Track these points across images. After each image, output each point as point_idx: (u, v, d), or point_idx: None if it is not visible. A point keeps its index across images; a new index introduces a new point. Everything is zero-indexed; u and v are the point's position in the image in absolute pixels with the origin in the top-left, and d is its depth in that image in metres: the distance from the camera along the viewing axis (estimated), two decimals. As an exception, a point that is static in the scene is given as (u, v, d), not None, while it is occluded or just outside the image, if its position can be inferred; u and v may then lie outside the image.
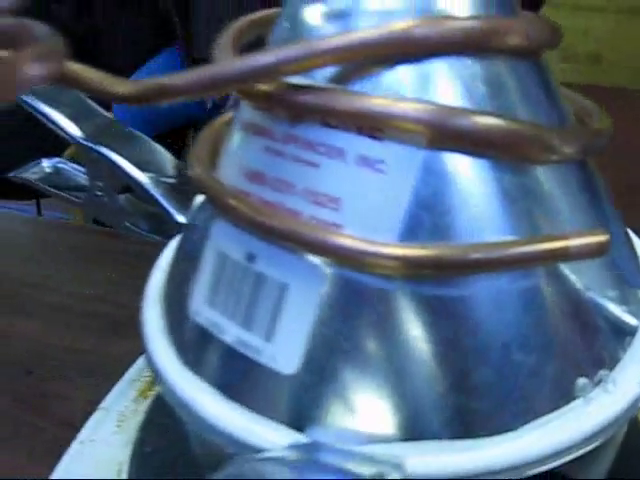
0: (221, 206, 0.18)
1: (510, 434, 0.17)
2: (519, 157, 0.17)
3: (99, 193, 0.28)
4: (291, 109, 0.16)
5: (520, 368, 0.17)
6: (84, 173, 0.32)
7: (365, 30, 0.16)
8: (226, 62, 0.16)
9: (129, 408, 0.34)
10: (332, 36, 0.16)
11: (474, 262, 0.16)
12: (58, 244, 0.62)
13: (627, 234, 0.21)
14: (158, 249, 0.29)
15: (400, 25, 0.16)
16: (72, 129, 0.27)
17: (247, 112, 0.18)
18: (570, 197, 0.18)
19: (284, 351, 0.17)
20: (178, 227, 0.26)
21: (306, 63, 0.15)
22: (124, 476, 0.29)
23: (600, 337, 0.18)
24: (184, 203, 0.27)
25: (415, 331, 0.17)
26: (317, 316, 0.17)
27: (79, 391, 0.45)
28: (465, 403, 0.17)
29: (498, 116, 0.16)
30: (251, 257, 0.17)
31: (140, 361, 0.37)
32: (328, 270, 0.17)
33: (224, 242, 0.18)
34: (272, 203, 0.17)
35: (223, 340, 0.18)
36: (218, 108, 1.29)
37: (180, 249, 0.22)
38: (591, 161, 0.19)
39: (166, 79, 0.16)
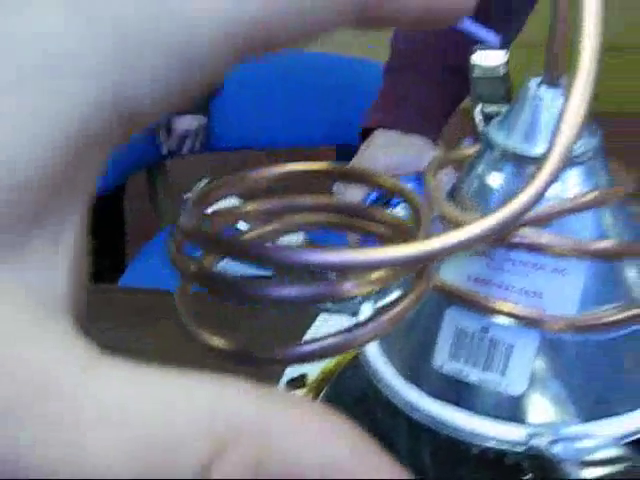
0: (458, 297, 0.30)
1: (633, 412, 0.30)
2: (630, 258, 0.30)
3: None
4: (510, 245, 0.29)
5: (634, 373, 0.31)
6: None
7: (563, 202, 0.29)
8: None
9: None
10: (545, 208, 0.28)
11: (614, 322, 0.29)
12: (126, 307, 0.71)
13: None
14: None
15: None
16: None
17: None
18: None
19: (514, 382, 0.30)
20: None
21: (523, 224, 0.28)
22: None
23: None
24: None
25: (580, 361, 0.30)
26: (534, 359, 0.29)
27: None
28: (611, 399, 0.30)
29: (619, 242, 0.30)
30: (484, 329, 0.30)
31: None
32: (537, 334, 0.29)
33: (460, 320, 0.31)
34: (501, 298, 0.30)
35: (466, 379, 0.31)
36: (172, 154, 1.38)
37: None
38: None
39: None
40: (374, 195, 0.67)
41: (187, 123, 1.32)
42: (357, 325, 0.21)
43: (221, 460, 0.11)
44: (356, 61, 1.35)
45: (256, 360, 0.21)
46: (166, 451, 0.11)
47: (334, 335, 0.21)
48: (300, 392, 0.48)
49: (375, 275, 0.21)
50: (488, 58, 0.50)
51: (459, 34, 0.78)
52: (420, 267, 0.23)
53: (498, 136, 0.31)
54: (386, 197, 0.66)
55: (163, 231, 1.35)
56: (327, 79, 1.37)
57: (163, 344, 0.64)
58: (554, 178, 0.20)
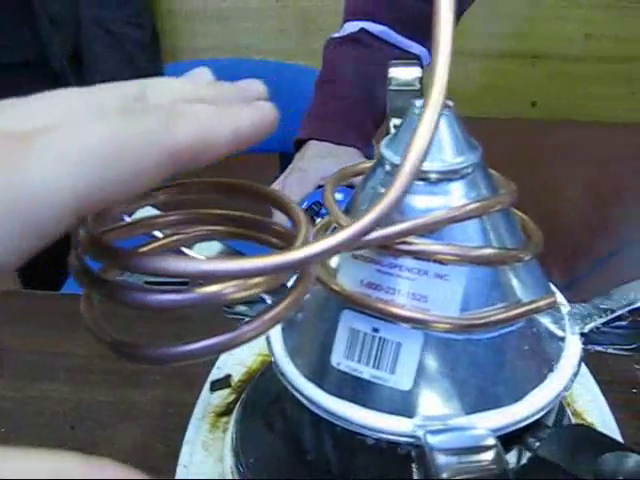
0: (351, 301, 0.33)
1: (514, 405, 0.33)
2: (509, 264, 0.33)
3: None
4: (397, 252, 0.32)
5: (516, 368, 0.34)
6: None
7: (439, 214, 0.31)
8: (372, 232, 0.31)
9: (208, 437, 0.47)
10: (424, 217, 0.31)
11: (495, 321, 0.32)
12: (57, 313, 0.72)
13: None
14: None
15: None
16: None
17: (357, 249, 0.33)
18: (529, 276, 0.35)
19: (403, 378, 0.32)
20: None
21: (407, 234, 0.31)
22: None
23: (550, 344, 0.35)
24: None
25: (465, 358, 0.33)
26: (419, 357, 0.32)
27: (121, 435, 0.57)
28: (494, 392, 0.33)
29: (499, 249, 0.33)
30: (375, 330, 0.33)
31: (200, 404, 0.50)
32: (422, 333, 0.32)
33: (354, 322, 0.33)
34: (387, 300, 0.32)
35: (360, 377, 0.33)
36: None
37: (295, 319, 0.37)
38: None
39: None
40: (305, 204, 0.69)
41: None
42: (241, 324, 0.24)
43: None
44: (295, 68, 1.37)
45: (138, 356, 0.23)
46: None
47: (220, 334, 0.23)
48: (224, 392, 0.50)
49: (254, 281, 0.23)
50: (405, 72, 0.53)
51: (388, 48, 0.81)
52: (300, 271, 0.25)
53: (387, 152, 0.34)
54: (317, 207, 0.69)
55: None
56: (268, 85, 1.39)
57: (95, 349, 0.66)
58: (406, 187, 0.23)
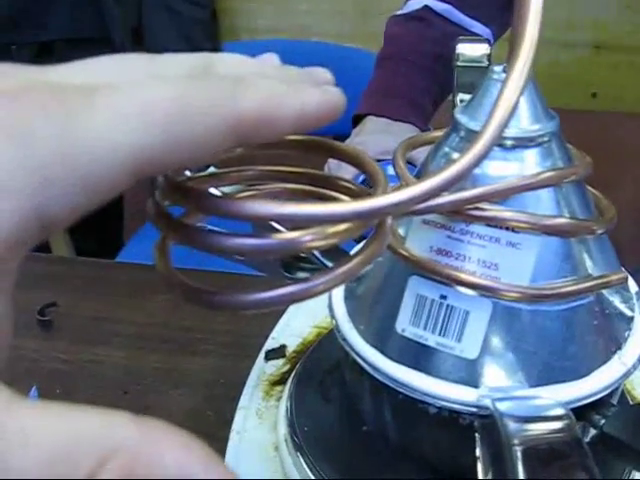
0: (420, 267, 0.33)
1: (580, 380, 0.33)
2: (581, 235, 0.32)
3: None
4: (469, 218, 0.31)
5: (583, 343, 0.33)
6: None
7: (514, 181, 0.31)
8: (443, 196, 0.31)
9: (262, 405, 0.47)
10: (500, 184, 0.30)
11: (566, 293, 0.32)
12: (103, 280, 0.73)
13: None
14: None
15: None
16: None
17: (428, 215, 0.33)
18: (600, 252, 0.34)
19: (469, 347, 0.32)
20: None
21: (480, 200, 0.30)
22: (284, 451, 0.42)
23: (619, 323, 0.34)
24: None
25: (532, 329, 0.32)
26: (487, 326, 0.32)
27: (172, 401, 0.58)
28: (561, 366, 0.32)
29: (570, 218, 0.32)
30: (443, 297, 0.32)
31: (254, 372, 0.50)
32: (491, 302, 0.32)
33: (421, 288, 0.33)
34: (456, 267, 0.32)
35: (425, 344, 0.33)
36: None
37: (358, 286, 0.37)
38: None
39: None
40: (361, 178, 0.69)
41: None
42: (314, 276, 0.23)
43: (102, 470, 0.15)
44: (352, 50, 1.37)
45: (214, 302, 0.23)
46: (64, 464, 0.15)
47: (291, 284, 0.23)
48: (278, 362, 0.51)
49: (333, 230, 0.23)
50: (472, 49, 0.52)
51: (451, 26, 0.80)
52: (376, 227, 0.25)
53: (462, 118, 0.33)
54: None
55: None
56: (325, 67, 1.39)
57: (151, 317, 0.67)
58: (487, 150, 0.22)
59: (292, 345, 0.52)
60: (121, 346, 0.64)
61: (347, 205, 0.21)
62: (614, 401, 0.35)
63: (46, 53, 1.28)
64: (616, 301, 0.35)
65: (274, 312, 0.55)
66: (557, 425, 0.29)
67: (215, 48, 1.38)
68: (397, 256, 0.34)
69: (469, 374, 0.32)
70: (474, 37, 0.50)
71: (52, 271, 0.76)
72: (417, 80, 0.73)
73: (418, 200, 0.21)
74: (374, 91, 0.75)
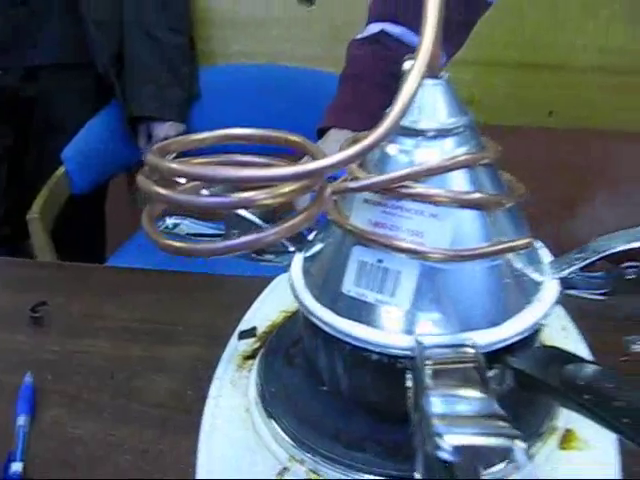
0: (361, 237, 0.39)
1: (501, 325, 0.39)
2: (490, 208, 0.39)
3: (235, 234, 0.48)
4: (400, 195, 0.38)
5: (497, 297, 0.40)
6: (208, 226, 0.52)
7: (426, 164, 0.38)
8: (376, 177, 0.38)
9: (235, 375, 0.54)
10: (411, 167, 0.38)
11: (478, 254, 0.39)
12: (89, 282, 0.79)
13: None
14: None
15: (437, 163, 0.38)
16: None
17: (363, 196, 0.40)
18: (512, 224, 0.41)
19: (401, 301, 0.39)
20: (289, 252, 0.47)
21: (407, 179, 0.37)
22: (255, 412, 0.49)
23: (530, 283, 0.41)
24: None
25: (453, 285, 0.39)
26: (416, 283, 0.39)
27: (155, 384, 0.64)
28: (478, 316, 0.39)
29: (483, 193, 0.39)
30: (380, 261, 0.39)
31: (229, 349, 0.57)
32: (419, 263, 0.39)
33: (362, 254, 0.40)
34: (390, 236, 0.39)
35: (366, 301, 0.40)
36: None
37: (312, 259, 0.44)
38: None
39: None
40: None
41: (166, 130, 1.41)
42: (264, 230, 0.30)
43: None
44: (322, 73, 1.44)
45: (191, 250, 0.30)
46: None
47: (249, 235, 0.30)
48: (250, 341, 0.57)
49: (280, 190, 0.30)
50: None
51: (406, 47, 0.88)
52: (317, 194, 0.32)
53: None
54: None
55: (140, 231, 1.44)
56: (295, 89, 1.47)
57: (135, 313, 0.73)
58: (391, 129, 0.29)
59: (262, 327, 0.59)
60: (107, 338, 0.70)
61: (287, 169, 0.28)
62: (528, 347, 0.42)
63: (32, 77, 1.35)
64: (528, 267, 0.42)
65: (246, 307, 0.61)
66: (466, 356, 0.36)
67: (192, 72, 1.45)
68: (343, 230, 0.41)
69: (402, 324, 0.39)
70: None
71: (42, 274, 0.82)
72: (375, 96, 0.80)
73: (339, 165, 0.28)
74: (336, 106, 0.83)
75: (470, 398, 0.32)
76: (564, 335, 0.57)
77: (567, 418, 0.47)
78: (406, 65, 0.60)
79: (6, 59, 1.33)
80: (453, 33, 0.86)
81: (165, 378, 0.64)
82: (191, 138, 0.36)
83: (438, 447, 0.29)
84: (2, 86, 1.34)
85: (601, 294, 0.45)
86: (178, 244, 0.30)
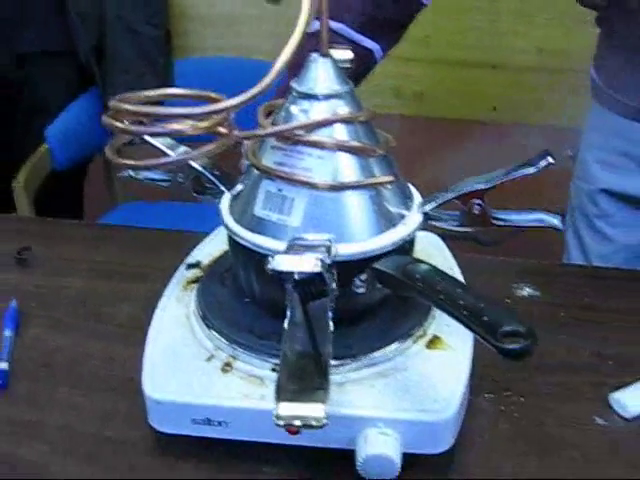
0: (267, 173, 0.53)
1: (369, 240, 0.54)
2: (364, 153, 0.54)
3: (180, 180, 0.62)
4: (295, 141, 0.52)
5: (367, 220, 0.54)
6: (160, 173, 0.66)
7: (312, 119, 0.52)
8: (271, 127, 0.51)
9: (180, 294, 0.67)
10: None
11: (347, 185, 0.53)
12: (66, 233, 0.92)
13: (404, 180, 0.58)
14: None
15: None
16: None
17: (271, 142, 0.54)
18: (382, 166, 0.55)
19: (294, 219, 0.53)
20: (222, 191, 0.61)
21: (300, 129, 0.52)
22: (192, 317, 0.62)
23: (396, 214, 0.56)
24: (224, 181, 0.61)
25: (334, 209, 0.53)
26: (307, 204, 0.53)
27: (119, 311, 0.77)
28: (351, 231, 0.53)
29: (358, 142, 0.53)
30: (280, 190, 0.53)
31: (177, 276, 0.70)
32: (308, 191, 0.53)
33: (268, 186, 0.54)
34: (288, 172, 0.53)
35: (270, 220, 0.54)
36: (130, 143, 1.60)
37: (237, 196, 0.58)
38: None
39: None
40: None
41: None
42: (178, 154, 0.44)
43: None
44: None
45: (128, 164, 0.43)
46: None
47: (169, 158, 0.44)
48: (195, 270, 0.71)
49: (201, 124, 0.44)
50: (340, 53, 0.73)
51: (345, 42, 1.02)
52: (224, 126, 0.46)
53: (295, 85, 0.54)
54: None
55: (115, 210, 1.58)
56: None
57: (106, 257, 0.86)
58: (273, 79, 0.43)
59: (206, 261, 0.72)
60: (82, 277, 0.83)
61: (199, 108, 0.42)
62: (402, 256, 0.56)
63: (20, 63, 1.48)
64: (398, 202, 0.56)
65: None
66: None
67: (167, 63, 1.59)
68: (256, 169, 0.55)
69: (294, 236, 0.53)
70: (341, 45, 0.69)
71: (26, 227, 0.96)
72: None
73: (236, 107, 0.42)
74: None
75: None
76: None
77: (436, 326, 0.61)
78: (332, 53, 0.74)
79: (-5, 45, 1.46)
80: (385, 31, 1.00)
81: (129, 306, 0.78)
82: (143, 94, 0.50)
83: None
84: (-6, 71, 1.48)
85: (456, 226, 0.59)
86: (125, 161, 0.44)
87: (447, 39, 1.56)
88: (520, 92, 1.62)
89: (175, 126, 0.43)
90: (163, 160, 0.43)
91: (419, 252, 0.62)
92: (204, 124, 0.43)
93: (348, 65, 0.69)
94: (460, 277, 0.69)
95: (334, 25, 0.97)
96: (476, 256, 0.80)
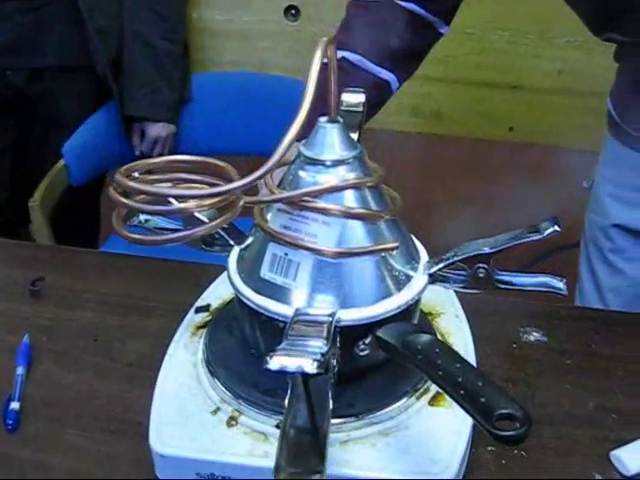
0: (274, 236, 0.54)
1: (374, 305, 0.54)
2: (370, 219, 0.54)
3: (190, 231, 0.63)
4: (302, 207, 0.53)
5: (371, 284, 0.54)
6: (170, 221, 0.66)
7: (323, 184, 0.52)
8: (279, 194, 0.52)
9: (188, 340, 0.68)
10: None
11: (354, 253, 0.53)
12: (79, 263, 0.93)
13: (411, 239, 0.59)
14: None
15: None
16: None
17: (278, 206, 0.55)
18: (389, 229, 0.56)
19: (300, 285, 0.53)
20: (232, 245, 0.62)
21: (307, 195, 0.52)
22: (199, 366, 0.63)
23: (401, 276, 0.56)
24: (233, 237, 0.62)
25: (338, 274, 0.54)
26: (312, 268, 0.53)
27: (130, 348, 0.78)
28: (355, 297, 0.54)
29: (366, 209, 0.54)
30: (286, 254, 0.54)
31: (186, 320, 0.71)
32: (312, 257, 0.53)
33: (274, 249, 0.54)
34: (294, 236, 0.53)
35: (275, 283, 0.54)
36: (144, 156, 1.62)
37: (244, 251, 0.58)
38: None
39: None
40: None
41: (158, 130, 1.56)
42: (182, 231, 0.45)
43: None
44: (302, 82, 1.59)
45: (144, 241, 0.44)
46: None
47: (179, 232, 0.45)
48: (204, 314, 0.72)
49: (206, 202, 0.44)
50: (352, 97, 0.73)
51: (363, 73, 1.02)
52: (230, 202, 0.47)
53: (303, 149, 0.55)
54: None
55: (130, 224, 1.60)
56: (279, 96, 1.62)
57: (116, 289, 0.87)
58: (279, 158, 0.44)
59: (215, 304, 0.73)
60: (92, 310, 0.84)
61: (203, 190, 0.43)
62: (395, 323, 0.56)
63: (37, 78, 1.49)
64: (404, 264, 0.57)
65: (206, 289, 0.76)
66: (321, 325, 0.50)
67: (184, 77, 1.60)
68: (263, 232, 0.55)
69: (300, 301, 0.54)
70: (354, 89, 0.69)
71: (40, 255, 0.97)
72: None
73: (241, 187, 0.43)
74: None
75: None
76: (457, 322, 0.71)
77: (439, 382, 0.62)
78: (344, 96, 0.74)
79: (14, 61, 1.47)
80: (402, 62, 1.00)
81: (140, 343, 0.79)
82: (149, 162, 0.50)
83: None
84: (9, 85, 1.49)
85: (462, 287, 0.59)
86: (134, 236, 0.45)
87: (467, 59, 1.56)
88: (538, 113, 1.61)
89: (181, 205, 0.43)
90: (177, 235, 0.44)
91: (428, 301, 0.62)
92: (209, 201, 0.44)
93: (360, 109, 0.70)
94: (467, 328, 0.69)
95: (352, 57, 0.98)
96: (486, 296, 0.80)
